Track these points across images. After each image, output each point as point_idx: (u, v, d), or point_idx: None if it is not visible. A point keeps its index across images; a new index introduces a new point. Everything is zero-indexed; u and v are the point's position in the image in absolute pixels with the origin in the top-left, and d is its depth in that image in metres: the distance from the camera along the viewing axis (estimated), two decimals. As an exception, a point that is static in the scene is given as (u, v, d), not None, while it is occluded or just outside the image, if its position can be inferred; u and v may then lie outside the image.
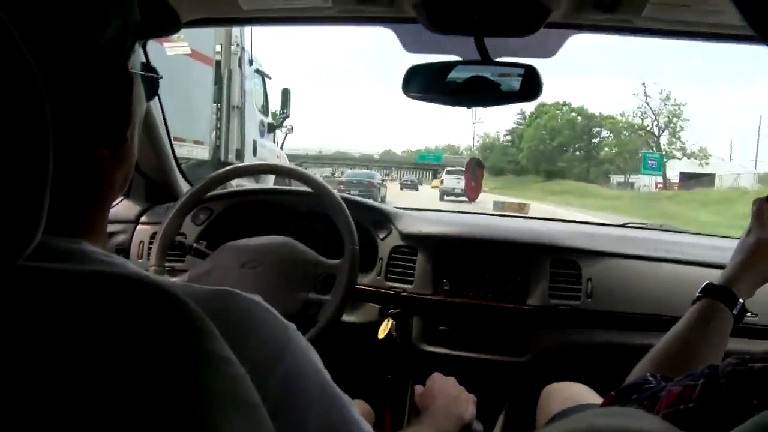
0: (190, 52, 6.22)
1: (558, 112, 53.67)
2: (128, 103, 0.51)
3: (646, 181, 37.50)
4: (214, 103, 7.66)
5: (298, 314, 1.30)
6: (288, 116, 9.30)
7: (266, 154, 8.63)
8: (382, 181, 26.26)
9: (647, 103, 42.42)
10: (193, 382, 0.38)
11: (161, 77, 0.67)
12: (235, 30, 7.55)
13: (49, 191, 0.38)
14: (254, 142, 8.13)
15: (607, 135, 50.00)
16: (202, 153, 7.34)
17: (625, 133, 47.61)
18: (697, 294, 0.86)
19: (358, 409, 0.63)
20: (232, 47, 7.66)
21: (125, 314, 0.37)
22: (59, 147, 0.45)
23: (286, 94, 9.20)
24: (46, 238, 0.47)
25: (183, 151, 6.59)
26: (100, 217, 0.54)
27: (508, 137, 65.19)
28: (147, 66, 0.60)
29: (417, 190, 37.34)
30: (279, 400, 0.52)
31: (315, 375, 0.57)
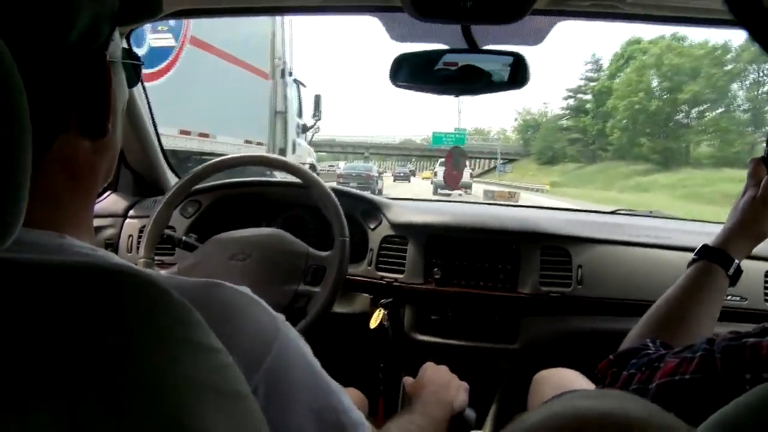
0: (177, 45, 6.66)
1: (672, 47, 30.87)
2: (107, 93, 0.50)
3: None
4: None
5: (288, 306, 1.29)
6: (320, 119, 10.66)
7: (301, 152, 10.35)
8: (379, 173, 26.43)
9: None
10: (176, 372, 0.38)
11: (143, 63, 0.67)
12: (278, 44, 9.08)
13: (28, 183, 0.37)
14: (293, 142, 9.72)
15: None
16: (263, 152, 8.46)
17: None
18: (693, 256, 0.87)
19: (350, 397, 0.64)
20: (276, 60, 9.11)
21: (107, 305, 0.37)
22: (39, 139, 0.44)
23: (318, 99, 10.40)
24: (29, 232, 0.46)
25: (253, 151, 8.27)
26: (84, 210, 0.53)
27: (570, 104, 50.77)
28: (129, 53, 0.59)
29: (409, 181, 37.45)
30: (268, 389, 0.52)
31: (304, 364, 0.57)
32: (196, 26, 6.85)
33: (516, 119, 70.67)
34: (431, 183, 26.87)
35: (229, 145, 7.83)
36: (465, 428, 0.95)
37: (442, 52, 1.27)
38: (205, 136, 7.32)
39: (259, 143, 8.79)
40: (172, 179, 1.87)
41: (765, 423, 0.29)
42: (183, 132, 6.80)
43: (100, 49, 0.49)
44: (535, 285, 1.52)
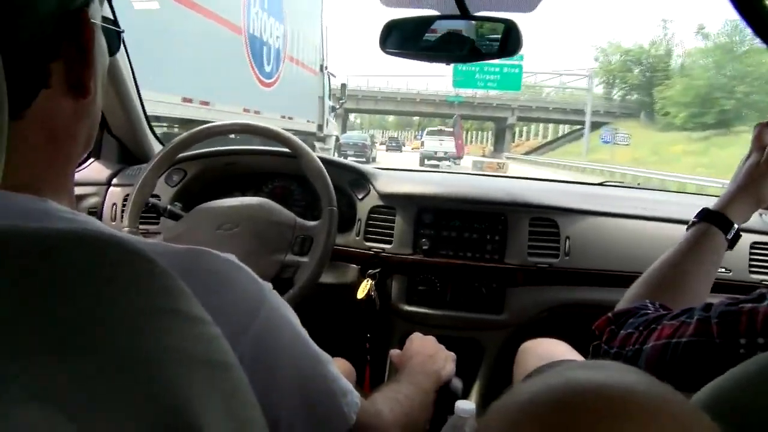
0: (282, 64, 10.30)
1: None
2: (87, 51, 0.49)
3: None
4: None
5: (275, 276, 1.28)
6: (345, 102, 14.73)
7: (331, 127, 13.99)
8: (373, 143, 28.01)
9: None
10: (162, 343, 0.37)
11: (123, 31, 0.66)
12: (323, 48, 12.70)
13: (5, 143, 0.36)
14: (326, 119, 12.92)
15: None
16: (313, 127, 12.29)
17: None
18: (693, 219, 0.87)
19: (338, 367, 0.63)
20: (322, 61, 12.69)
21: (91, 272, 0.36)
22: (17, 95, 0.44)
23: (344, 87, 14.52)
24: (9, 196, 0.45)
25: (307, 126, 11.87)
26: (63, 174, 0.53)
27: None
28: (110, 20, 0.58)
29: (401, 151, 37.45)
30: (254, 356, 0.51)
31: (291, 333, 0.57)
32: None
33: (598, 59, 46.71)
34: (419, 154, 26.85)
35: (301, 124, 11.44)
36: (451, 398, 0.96)
37: (433, 19, 1.24)
38: (290, 118, 10.77)
39: (309, 121, 12.08)
40: (157, 147, 1.83)
41: (757, 395, 0.29)
42: (283, 116, 10.34)
43: (80, 8, 0.48)
44: (522, 256, 1.52)
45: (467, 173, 2.14)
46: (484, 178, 2.08)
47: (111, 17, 1.43)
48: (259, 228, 1.32)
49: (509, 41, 1.23)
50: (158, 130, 1.92)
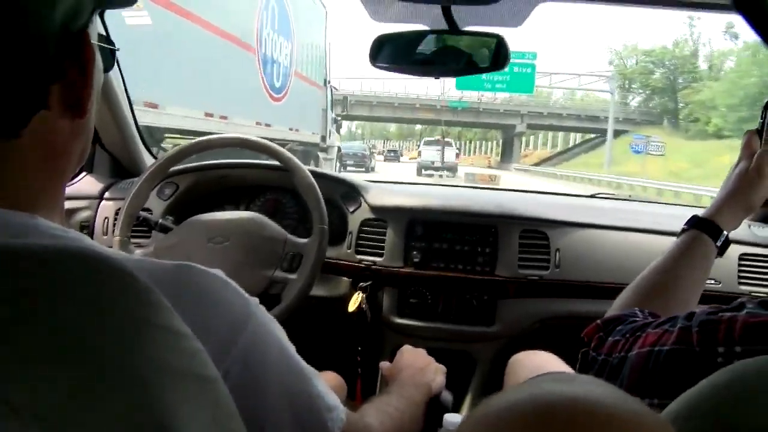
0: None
1: None
2: (87, 72, 0.50)
3: None
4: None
5: (263, 292, 1.29)
6: (347, 114, 16.45)
7: (333, 137, 14.70)
8: (371, 153, 28.62)
9: None
10: (142, 356, 0.37)
11: (118, 49, 0.66)
12: (322, 57, 13.24)
13: None
14: (329, 131, 13.87)
15: None
16: (318, 138, 13.04)
17: None
18: (683, 226, 0.87)
19: (328, 380, 0.64)
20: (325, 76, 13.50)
21: (69, 288, 0.36)
22: (14, 116, 0.45)
23: (345, 99, 16.91)
24: (0, 212, 0.46)
25: (312, 137, 12.74)
26: (56, 191, 0.53)
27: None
28: (104, 37, 0.59)
29: (399, 161, 37.60)
30: (239, 373, 0.51)
31: (278, 348, 0.57)
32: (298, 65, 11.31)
33: (613, 63, 43.05)
34: (417, 164, 26.79)
35: (307, 135, 12.30)
36: (441, 411, 0.96)
37: (423, 34, 1.26)
38: (297, 130, 11.63)
39: (314, 133, 12.86)
40: (150, 160, 1.83)
41: (727, 405, 0.29)
42: (290, 129, 11.18)
43: (82, 30, 0.49)
44: (513, 268, 1.52)
45: (458, 185, 2.13)
46: (475, 190, 2.09)
47: (104, 34, 1.43)
48: (250, 242, 1.32)
49: (500, 55, 1.24)
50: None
